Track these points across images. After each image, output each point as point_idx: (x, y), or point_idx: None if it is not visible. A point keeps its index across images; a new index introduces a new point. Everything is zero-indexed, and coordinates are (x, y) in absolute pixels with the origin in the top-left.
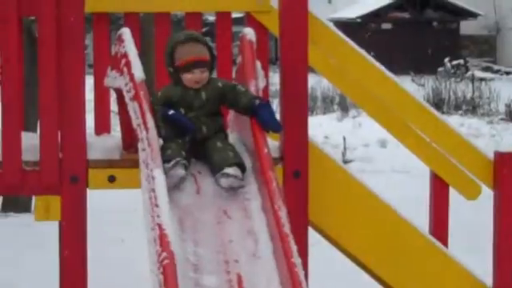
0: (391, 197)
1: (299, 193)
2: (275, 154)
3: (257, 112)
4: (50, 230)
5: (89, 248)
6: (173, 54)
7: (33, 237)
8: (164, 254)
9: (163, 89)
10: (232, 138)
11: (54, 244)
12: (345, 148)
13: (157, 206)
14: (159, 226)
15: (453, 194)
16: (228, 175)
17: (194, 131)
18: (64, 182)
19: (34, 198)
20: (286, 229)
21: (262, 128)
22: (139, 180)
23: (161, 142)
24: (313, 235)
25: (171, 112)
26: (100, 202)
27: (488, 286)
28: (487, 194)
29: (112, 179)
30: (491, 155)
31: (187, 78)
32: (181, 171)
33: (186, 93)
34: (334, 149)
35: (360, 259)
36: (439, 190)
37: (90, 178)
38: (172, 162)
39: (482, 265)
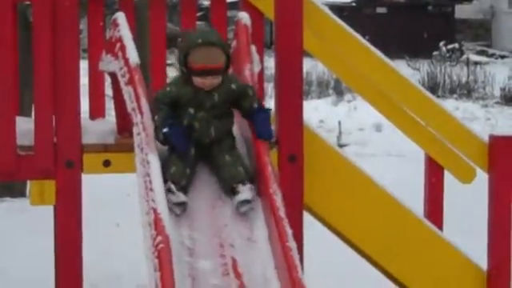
0: (386, 180)
1: (294, 177)
2: None
3: (252, 117)
4: (46, 215)
5: (84, 232)
6: (187, 56)
7: (28, 221)
8: (159, 238)
9: (171, 85)
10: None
11: (49, 228)
12: (340, 132)
13: (152, 190)
14: (154, 210)
15: (448, 177)
16: (248, 202)
17: (184, 152)
18: (59, 167)
19: (28, 182)
20: (281, 213)
21: (255, 133)
22: (134, 164)
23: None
24: (308, 218)
25: (165, 130)
26: (95, 186)
27: (483, 269)
28: (482, 178)
29: (107, 163)
30: (486, 139)
31: (198, 81)
32: (177, 210)
33: (197, 93)
34: (329, 133)
35: (354, 242)
36: (434, 174)
37: (85, 162)
38: (177, 199)
39: (477, 248)
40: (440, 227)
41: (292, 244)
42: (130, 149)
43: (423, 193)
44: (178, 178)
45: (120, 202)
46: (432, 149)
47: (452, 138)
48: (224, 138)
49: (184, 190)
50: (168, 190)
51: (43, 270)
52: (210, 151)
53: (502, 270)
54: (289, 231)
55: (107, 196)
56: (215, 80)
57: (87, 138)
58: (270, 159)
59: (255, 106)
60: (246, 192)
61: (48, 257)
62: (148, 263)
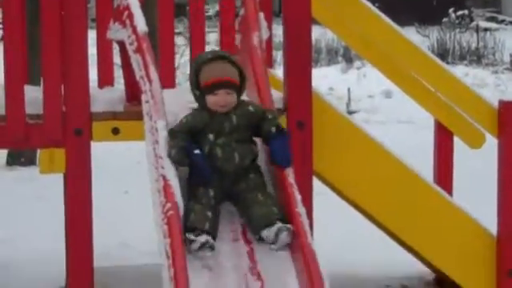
0: (396, 147)
1: (303, 143)
2: (279, 105)
3: (270, 141)
4: (55, 183)
5: (93, 200)
6: (198, 76)
7: (38, 190)
8: (168, 204)
9: (186, 117)
10: None
11: (59, 197)
12: (349, 99)
13: (161, 157)
14: (163, 177)
15: (457, 143)
16: (287, 229)
17: (209, 181)
18: (68, 135)
19: (38, 151)
20: (291, 178)
21: (270, 159)
22: (143, 132)
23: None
24: (317, 185)
25: (197, 151)
26: (104, 154)
27: (492, 234)
28: (491, 143)
29: (116, 131)
30: (496, 104)
31: (211, 100)
32: (203, 254)
33: (214, 117)
34: (338, 100)
35: (364, 208)
36: (444, 139)
37: (94, 130)
38: (197, 244)
39: (487, 213)
40: (450, 192)
41: (301, 210)
42: (138, 116)
43: (433, 159)
44: (198, 223)
45: (130, 170)
46: (441, 114)
47: (461, 104)
48: (250, 171)
49: (208, 233)
50: (189, 242)
51: (53, 238)
52: (235, 187)
53: (511, 235)
54: (298, 197)
55: (117, 164)
56: (229, 97)
57: (96, 106)
58: None
59: (273, 129)
60: (283, 223)
61: (58, 225)
62: (157, 230)
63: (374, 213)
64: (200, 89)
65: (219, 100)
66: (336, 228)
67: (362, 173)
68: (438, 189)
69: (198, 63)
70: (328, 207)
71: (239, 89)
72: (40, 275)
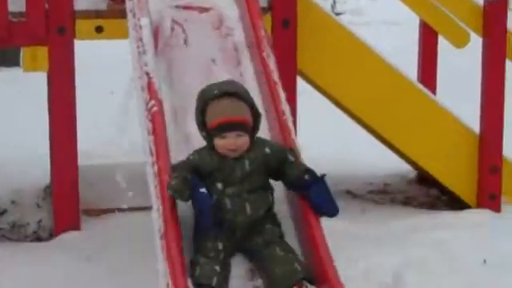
0: (382, 48)
1: (288, 42)
2: (264, 3)
3: (307, 190)
4: (41, 83)
5: (79, 100)
6: (204, 114)
7: (23, 90)
8: (152, 101)
9: (193, 153)
10: None
11: (44, 97)
12: (334, 1)
13: (144, 53)
14: (147, 74)
15: (441, 42)
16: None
17: (212, 228)
18: (51, 33)
19: (21, 50)
20: (275, 76)
21: (315, 211)
22: (126, 30)
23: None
24: (301, 84)
25: (203, 190)
26: (90, 54)
27: (475, 132)
28: (475, 41)
29: (99, 30)
30: (481, 3)
31: (219, 144)
32: None
33: (223, 161)
34: (323, 2)
35: (348, 106)
36: (428, 39)
37: (77, 28)
38: None
39: (470, 112)
40: (433, 91)
41: (285, 107)
42: (122, 14)
43: (417, 59)
44: (205, 279)
45: (116, 70)
46: (426, 14)
47: (446, 3)
48: (265, 223)
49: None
50: None
51: (38, 138)
52: (248, 243)
53: (494, 133)
54: (282, 94)
55: (103, 64)
56: (240, 140)
57: (79, 4)
58: (263, 23)
59: (306, 177)
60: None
61: (43, 125)
62: (141, 127)
63: (357, 111)
64: (207, 130)
65: (228, 144)
66: (319, 127)
67: (347, 72)
68: (422, 88)
69: (204, 100)
70: (312, 106)
71: (252, 129)
72: (25, 174)
